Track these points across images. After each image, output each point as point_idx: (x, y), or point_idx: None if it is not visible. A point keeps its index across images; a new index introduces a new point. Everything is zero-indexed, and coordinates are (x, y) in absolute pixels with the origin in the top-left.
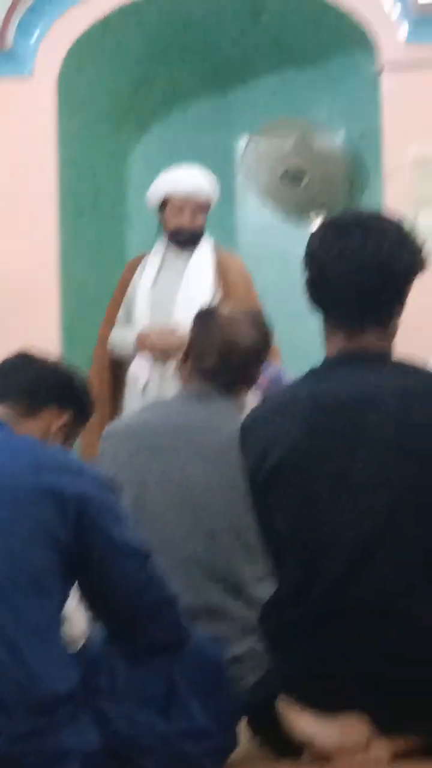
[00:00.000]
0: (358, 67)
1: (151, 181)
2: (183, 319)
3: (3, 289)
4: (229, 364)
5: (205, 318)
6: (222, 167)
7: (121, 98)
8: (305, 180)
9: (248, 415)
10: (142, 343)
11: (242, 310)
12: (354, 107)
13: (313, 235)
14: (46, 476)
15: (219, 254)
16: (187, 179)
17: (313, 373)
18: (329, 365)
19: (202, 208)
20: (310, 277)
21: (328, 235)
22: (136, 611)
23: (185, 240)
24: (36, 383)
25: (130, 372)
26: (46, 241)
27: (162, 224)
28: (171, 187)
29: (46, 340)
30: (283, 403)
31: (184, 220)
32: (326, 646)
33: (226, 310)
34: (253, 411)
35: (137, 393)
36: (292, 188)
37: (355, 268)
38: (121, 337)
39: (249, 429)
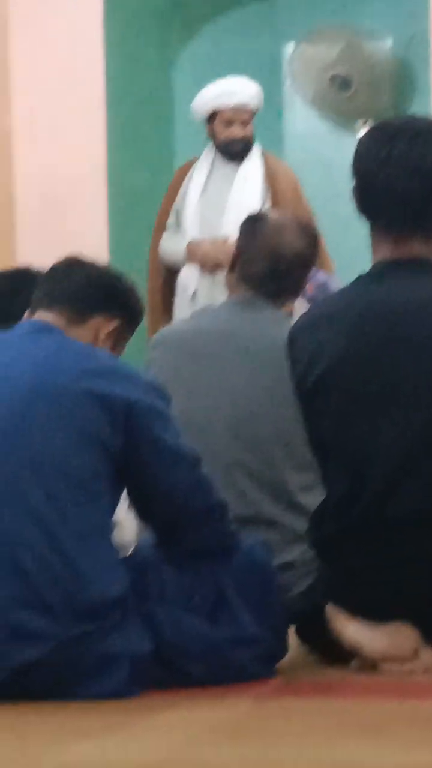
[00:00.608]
0: None
1: (198, 85)
2: (232, 227)
3: (52, 194)
4: (276, 271)
5: (252, 224)
6: (268, 74)
7: (167, 2)
8: (352, 87)
9: (296, 323)
10: (193, 254)
11: (290, 217)
12: (402, 13)
13: (360, 142)
14: (94, 381)
15: (267, 161)
16: (235, 91)
17: (359, 282)
18: (376, 274)
19: (250, 117)
20: (357, 184)
21: (375, 141)
22: (185, 516)
23: (238, 151)
24: (84, 289)
25: (180, 280)
26: (94, 146)
27: (211, 136)
28: (219, 100)
29: (93, 245)
30: (330, 311)
31: (235, 133)
32: (371, 556)
33: (273, 217)
34: (300, 319)
35: (186, 301)
36: (339, 95)
37: (401, 174)
38: (172, 244)
39: (296, 337)
